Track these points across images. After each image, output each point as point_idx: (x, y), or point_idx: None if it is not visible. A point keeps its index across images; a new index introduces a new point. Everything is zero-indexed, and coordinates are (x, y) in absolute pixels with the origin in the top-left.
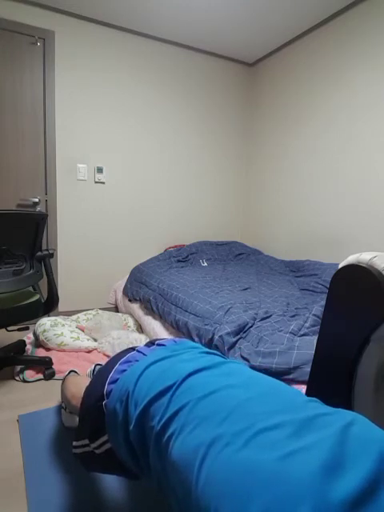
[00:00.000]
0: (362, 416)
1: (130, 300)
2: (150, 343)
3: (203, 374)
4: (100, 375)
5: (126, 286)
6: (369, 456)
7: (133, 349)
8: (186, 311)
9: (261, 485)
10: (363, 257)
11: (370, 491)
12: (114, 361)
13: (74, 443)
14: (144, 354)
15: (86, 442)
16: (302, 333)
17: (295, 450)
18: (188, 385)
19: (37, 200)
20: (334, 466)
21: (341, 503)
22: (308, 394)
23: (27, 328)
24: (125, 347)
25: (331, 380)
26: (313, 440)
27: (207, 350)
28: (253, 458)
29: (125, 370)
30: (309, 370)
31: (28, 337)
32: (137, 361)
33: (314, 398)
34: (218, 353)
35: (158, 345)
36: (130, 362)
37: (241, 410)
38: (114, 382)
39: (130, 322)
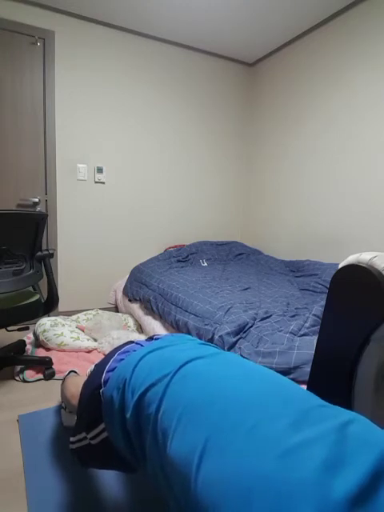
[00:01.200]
0: (361, 416)
1: (130, 300)
2: (149, 338)
3: (199, 363)
4: (98, 367)
5: (126, 285)
6: (369, 455)
7: (132, 342)
8: (186, 311)
9: (261, 484)
10: (363, 257)
11: (372, 489)
12: (112, 352)
13: (71, 439)
14: (142, 346)
15: (83, 434)
16: (302, 333)
17: (295, 446)
18: (184, 373)
19: (37, 200)
20: (335, 464)
21: (343, 501)
22: None
23: (27, 328)
24: None
25: (331, 380)
26: (312, 435)
27: (204, 342)
28: (252, 455)
29: (123, 359)
30: (309, 369)
31: (28, 337)
32: (135, 351)
33: (311, 393)
34: (215, 345)
35: (156, 339)
36: (128, 352)
37: (238, 402)
38: (111, 370)
39: (130, 322)
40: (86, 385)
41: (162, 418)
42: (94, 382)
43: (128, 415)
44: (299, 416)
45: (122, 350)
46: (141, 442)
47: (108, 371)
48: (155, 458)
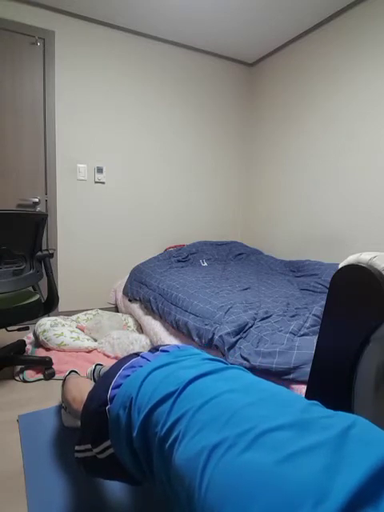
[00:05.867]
0: (363, 418)
1: (130, 300)
2: (154, 349)
3: (205, 380)
4: (103, 380)
5: (125, 285)
6: (370, 457)
7: (137, 354)
8: (186, 311)
9: (262, 487)
10: (363, 257)
11: (373, 491)
12: (117, 366)
13: (76, 447)
14: (148, 360)
15: (89, 446)
16: (301, 333)
17: (296, 452)
18: (190, 391)
19: (37, 200)
20: (335, 467)
21: (342, 505)
22: (308, 393)
23: (27, 328)
24: (125, 347)
25: (331, 380)
26: (314, 441)
27: (210, 356)
28: (254, 460)
29: (128, 376)
30: (309, 369)
31: (28, 337)
32: (141, 366)
33: (316, 402)
34: (221, 359)
35: (162, 351)
36: (134, 367)
37: (243, 413)
38: (117, 387)
39: (130, 322)
40: (91, 397)
41: (168, 436)
42: (99, 397)
43: (135, 434)
44: (303, 427)
45: (127, 364)
46: (148, 459)
47: (114, 388)
48: (162, 473)
